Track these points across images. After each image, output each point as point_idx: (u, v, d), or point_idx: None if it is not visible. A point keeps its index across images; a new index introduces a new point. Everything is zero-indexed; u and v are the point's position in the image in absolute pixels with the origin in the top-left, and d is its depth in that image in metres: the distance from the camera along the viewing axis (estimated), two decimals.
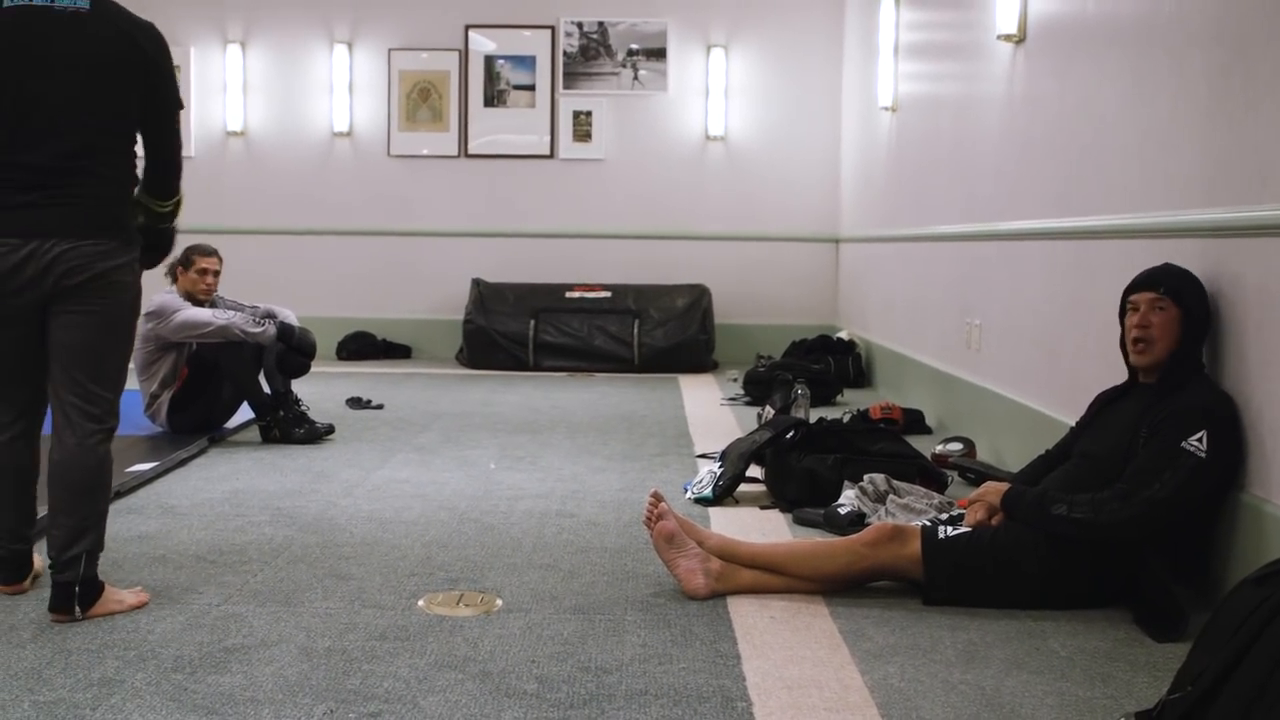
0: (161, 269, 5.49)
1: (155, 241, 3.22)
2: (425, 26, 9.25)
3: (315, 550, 3.52)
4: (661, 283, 8.92)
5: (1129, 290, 3.19)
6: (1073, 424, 3.48)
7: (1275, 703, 1.67)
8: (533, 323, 8.64)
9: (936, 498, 3.85)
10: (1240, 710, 1.72)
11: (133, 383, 5.55)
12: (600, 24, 9.19)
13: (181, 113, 3.16)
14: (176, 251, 5.52)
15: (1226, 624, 1.87)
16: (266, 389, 5.44)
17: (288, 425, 5.34)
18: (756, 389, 6.81)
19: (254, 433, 5.47)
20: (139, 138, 3.05)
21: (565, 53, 9.19)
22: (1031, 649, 2.73)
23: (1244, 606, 1.84)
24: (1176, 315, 3.06)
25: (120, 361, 3.02)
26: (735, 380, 7.65)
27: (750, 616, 2.92)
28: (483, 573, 3.31)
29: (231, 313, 5.35)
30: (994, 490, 3.18)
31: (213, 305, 5.47)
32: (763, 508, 4.16)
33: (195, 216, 9.12)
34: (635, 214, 9.15)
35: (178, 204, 3.18)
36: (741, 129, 9.23)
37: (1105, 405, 3.29)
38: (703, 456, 5.08)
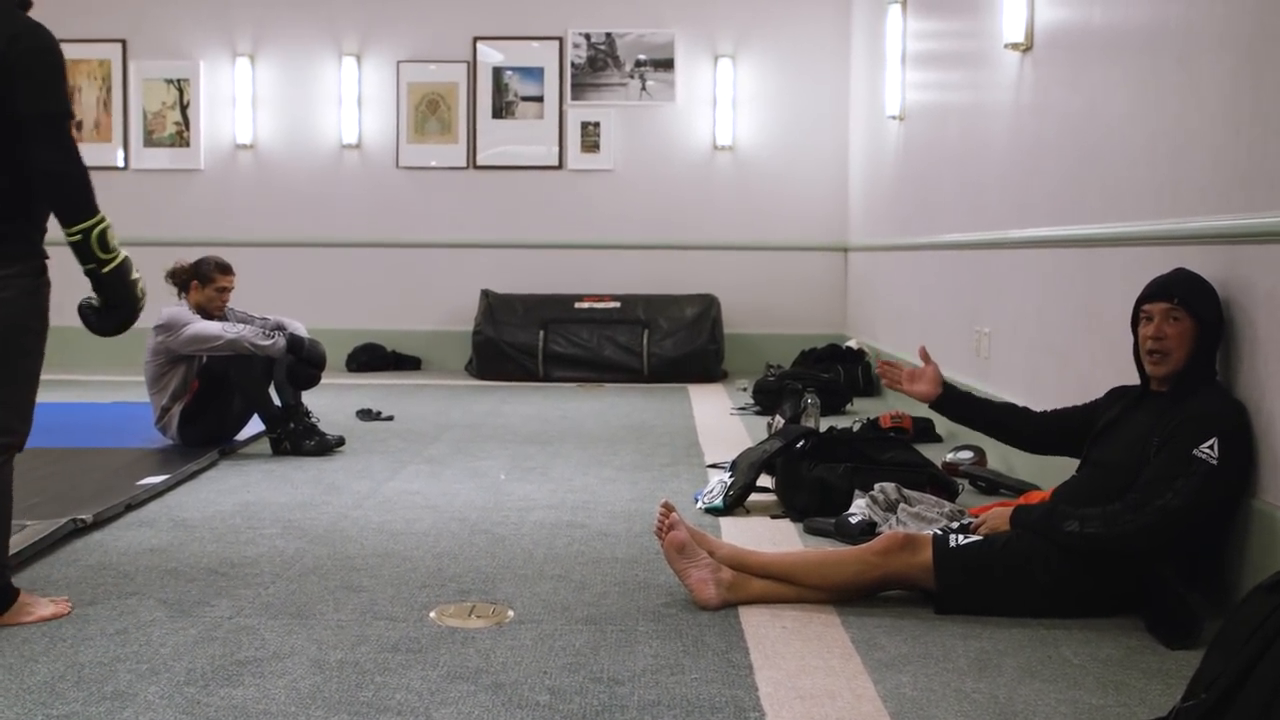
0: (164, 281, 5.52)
1: (103, 295, 2.88)
2: (433, 39, 9.28)
3: (326, 562, 3.52)
4: (670, 293, 8.93)
5: (1142, 299, 3.17)
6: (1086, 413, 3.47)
7: None
8: (542, 333, 8.65)
9: (947, 506, 3.84)
10: (1253, 717, 1.71)
11: (144, 395, 5.58)
12: (608, 35, 9.21)
13: (70, 122, 2.80)
14: (184, 260, 5.59)
15: (1239, 631, 1.86)
16: (277, 401, 5.45)
17: (298, 437, 5.35)
18: (766, 398, 6.81)
19: (264, 445, 5.48)
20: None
21: (573, 64, 9.22)
22: (1044, 657, 2.73)
23: (1257, 613, 1.84)
24: (1191, 326, 3.04)
25: (5, 378, 2.82)
26: (745, 390, 7.65)
27: (762, 626, 2.92)
28: (494, 584, 3.31)
29: (241, 326, 5.37)
30: (1000, 516, 3.18)
31: (223, 318, 5.49)
32: (773, 517, 4.16)
33: (205, 229, 9.21)
34: (644, 224, 9.16)
35: (95, 234, 2.80)
36: (749, 139, 9.24)
37: (1121, 413, 3.26)
38: (713, 466, 5.08)
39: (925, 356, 3.83)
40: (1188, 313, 3.05)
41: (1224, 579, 3.03)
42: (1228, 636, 1.91)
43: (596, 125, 9.24)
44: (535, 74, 9.26)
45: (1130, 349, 3.26)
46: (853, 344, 8.19)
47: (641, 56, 9.21)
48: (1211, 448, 2.88)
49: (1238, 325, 3.06)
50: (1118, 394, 3.36)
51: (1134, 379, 3.28)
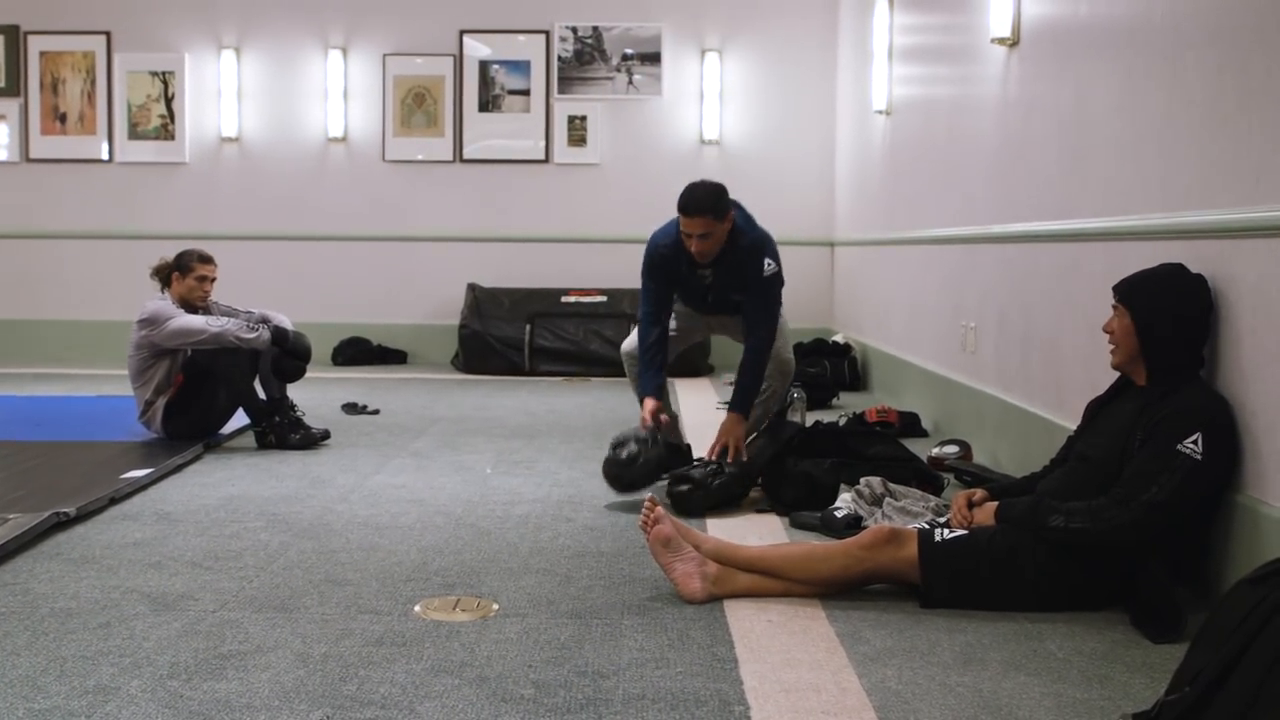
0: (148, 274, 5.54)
1: None
2: (420, 32, 9.25)
3: (311, 556, 3.51)
4: None
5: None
6: (1070, 430, 3.49)
7: (1272, 702, 1.67)
8: (528, 327, 8.64)
9: (933, 500, 3.85)
10: (1238, 710, 1.71)
11: (128, 389, 5.56)
12: (595, 29, 9.20)
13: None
14: (168, 256, 5.58)
15: (1224, 624, 1.86)
16: (262, 395, 5.43)
17: (283, 431, 5.33)
18: None
19: (249, 439, 5.46)
20: None
21: (560, 57, 9.20)
22: (1029, 651, 2.73)
23: (1241, 606, 1.84)
24: (1129, 323, 3.11)
25: None
26: (731, 384, 7.63)
27: (747, 620, 2.92)
28: (479, 578, 3.30)
29: (225, 319, 5.34)
30: (986, 513, 3.19)
31: (207, 311, 5.46)
32: (759, 511, 4.16)
33: (190, 222, 9.17)
34: (630, 218, 9.12)
35: None
36: (736, 133, 9.24)
37: (1099, 409, 3.29)
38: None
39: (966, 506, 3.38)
40: (1126, 308, 3.12)
41: (1208, 573, 3.04)
42: (1212, 630, 1.92)
43: (583, 119, 9.22)
44: (522, 67, 9.24)
45: None
46: (839, 339, 8.20)
47: (628, 50, 9.20)
48: (1195, 442, 2.89)
49: (1222, 320, 3.07)
50: (1094, 404, 3.36)
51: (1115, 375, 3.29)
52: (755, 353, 4.56)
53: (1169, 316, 3.07)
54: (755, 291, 4.55)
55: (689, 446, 4.68)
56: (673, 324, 4.75)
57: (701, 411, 6.71)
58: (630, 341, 4.92)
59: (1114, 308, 3.19)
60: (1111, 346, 3.21)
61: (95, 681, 2.49)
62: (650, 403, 4.51)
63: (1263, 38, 2.91)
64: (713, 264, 4.53)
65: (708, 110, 9.18)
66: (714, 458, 4.31)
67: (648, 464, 4.28)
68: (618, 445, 4.34)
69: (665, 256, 4.58)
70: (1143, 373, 3.13)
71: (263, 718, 2.31)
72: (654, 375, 4.58)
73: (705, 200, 4.40)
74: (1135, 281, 3.17)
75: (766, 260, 4.53)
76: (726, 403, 6.90)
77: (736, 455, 4.30)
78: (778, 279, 4.61)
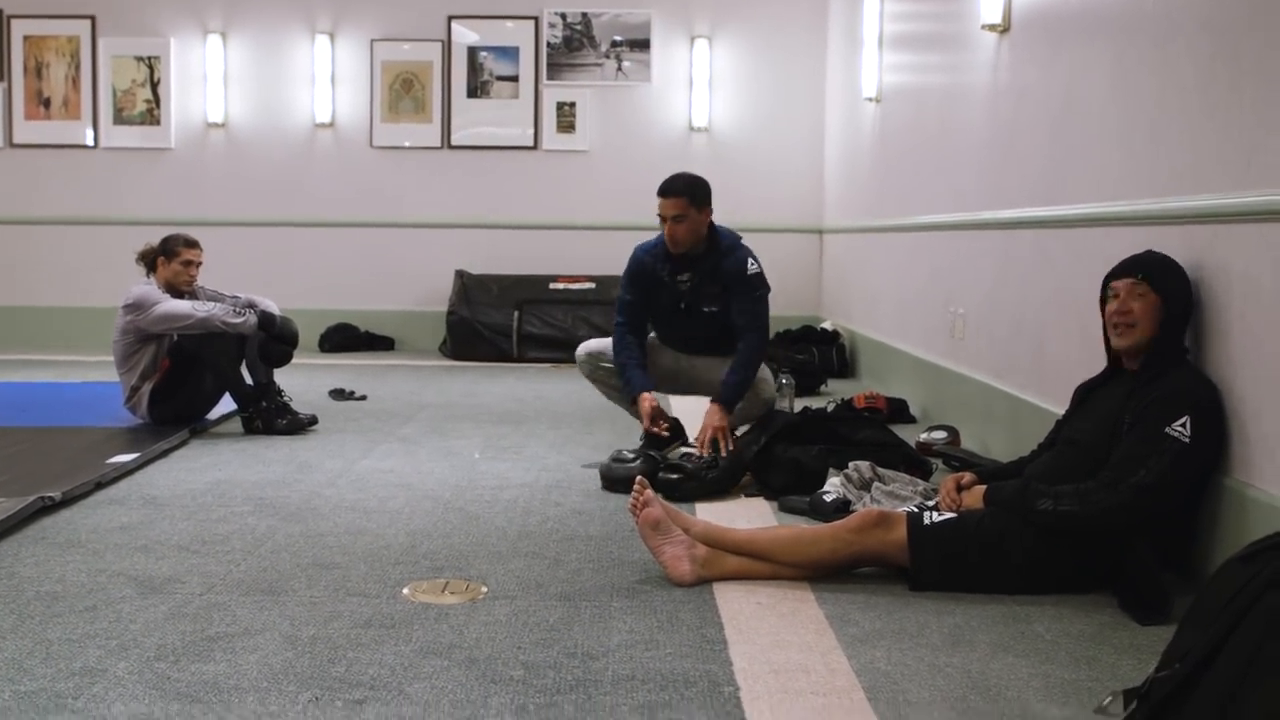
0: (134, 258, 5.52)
1: None
2: (407, 17, 9.21)
3: (299, 540, 3.50)
4: None
5: (1109, 277, 3.19)
6: (1058, 415, 3.49)
7: (1262, 678, 1.67)
8: (516, 314, 8.62)
9: (921, 484, 3.85)
10: (1227, 687, 1.72)
11: (113, 375, 5.53)
12: (584, 15, 9.16)
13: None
14: (154, 241, 5.55)
15: (1214, 601, 1.87)
16: (249, 380, 5.41)
17: (270, 416, 5.31)
18: None
19: (236, 424, 5.44)
20: None
21: (549, 44, 9.17)
22: (1017, 633, 2.74)
23: (1231, 584, 1.84)
24: (1156, 302, 3.07)
25: None
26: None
27: (736, 602, 2.92)
28: (468, 561, 3.30)
29: (212, 304, 5.31)
30: (975, 497, 3.19)
31: (193, 296, 5.43)
32: (748, 495, 4.16)
33: (176, 208, 9.12)
34: (619, 205, 9.12)
35: None
36: (725, 120, 9.22)
37: (1088, 393, 3.30)
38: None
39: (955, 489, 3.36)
40: (1152, 288, 3.07)
41: (1196, 556, 3.05)
42: (1202, 608, 1.92)
43: (572, 105, 9.19)
44: (510, 54, 9.21)
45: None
46: (828, 326, 8.20)
47: (617, 37, 9.17)
48: (1184, 426, 2.90)
49: (1210, 304, 3.07)
50: (1083, 388, 3.36)
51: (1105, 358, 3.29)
52: (745, 357, 4.57)
53: (1184, 298, 3.07)
54: (740, 292, 4.58)
55: (676, 419, 4.68)
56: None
57: (693, 402, 6.69)
58: (592, 344, 4.94)
59: (1130, 288, 3.08)
60: (1128, 326, 3.08)
61: (82, 664, 2.47)
62: (647, 400, 4.50)
63: (1254, 24, 2.91)
64: (692, 266, 4.54)
65: (697, 97, 9.16)
66: (707, 453, 4.30)
67: (643, 466, 4.27)
68: (617, 460, 4.33)
69: (645, 263, 4.72)
70: (1139, 357, 3.11)
71: (251, 699, 2.30)
72: (641, 371, 4.59)
73: (682, 185, 4.56)
74: (1157, 262, 3.11)
75: (749, 259, 4.60)
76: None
77: (727, 446, 4.31)
78: (761, 280, 4.64)
